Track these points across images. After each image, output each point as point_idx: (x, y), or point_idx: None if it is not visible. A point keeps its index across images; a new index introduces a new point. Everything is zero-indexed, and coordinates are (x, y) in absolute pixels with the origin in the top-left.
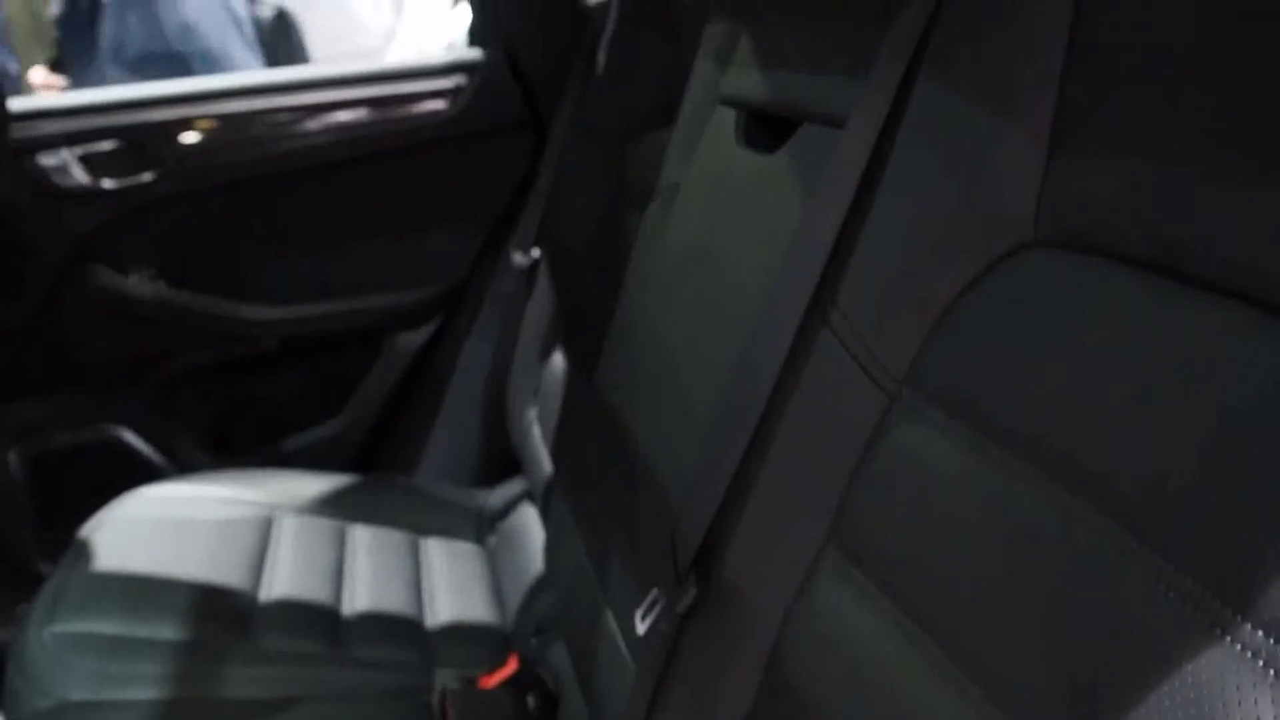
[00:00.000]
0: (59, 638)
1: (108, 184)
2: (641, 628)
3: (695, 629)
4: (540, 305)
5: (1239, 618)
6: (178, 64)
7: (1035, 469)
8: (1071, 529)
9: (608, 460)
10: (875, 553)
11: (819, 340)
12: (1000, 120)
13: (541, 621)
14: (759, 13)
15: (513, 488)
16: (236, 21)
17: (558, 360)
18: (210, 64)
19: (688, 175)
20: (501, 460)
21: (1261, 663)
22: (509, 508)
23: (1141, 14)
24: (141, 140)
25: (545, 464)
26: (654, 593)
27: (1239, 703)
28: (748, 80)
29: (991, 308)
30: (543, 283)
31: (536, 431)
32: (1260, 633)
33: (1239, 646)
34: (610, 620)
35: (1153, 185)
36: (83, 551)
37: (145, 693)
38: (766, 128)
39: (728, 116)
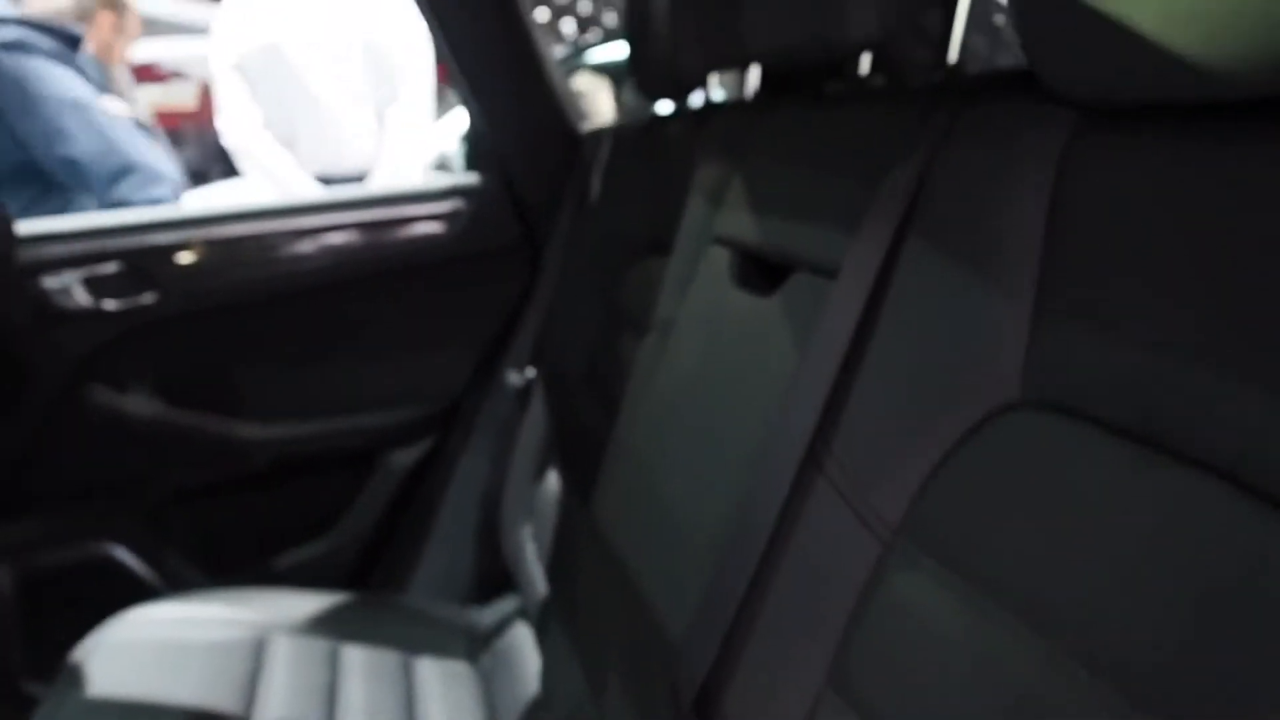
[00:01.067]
0: None
1: (109, 305)
2: None
3: None
4: (534, 425)
5: None
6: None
7: (1024, 625)
8: (1061, 687)
9: (606, 591)
10: (871, 697)
11: (815, 487)
12: (986, 282)
13: None
14: (750, 157)
15: (506, 605)
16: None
17: (552, 480)
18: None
19: (683, 311)
20: (494, 578)
21: None
22: (502, 626)
23: (1120, 189)
24: (143, 263)
25: (540, 584)
26: None
27: None
28: (740, 222)
29: (981, 464)
30: (537, 403)
31: (530, 551)
32: None
33: None
34: None
35: (1133, 357)
36: (75, 676)
37: None
38: (760, 269)
39: (721, 255)
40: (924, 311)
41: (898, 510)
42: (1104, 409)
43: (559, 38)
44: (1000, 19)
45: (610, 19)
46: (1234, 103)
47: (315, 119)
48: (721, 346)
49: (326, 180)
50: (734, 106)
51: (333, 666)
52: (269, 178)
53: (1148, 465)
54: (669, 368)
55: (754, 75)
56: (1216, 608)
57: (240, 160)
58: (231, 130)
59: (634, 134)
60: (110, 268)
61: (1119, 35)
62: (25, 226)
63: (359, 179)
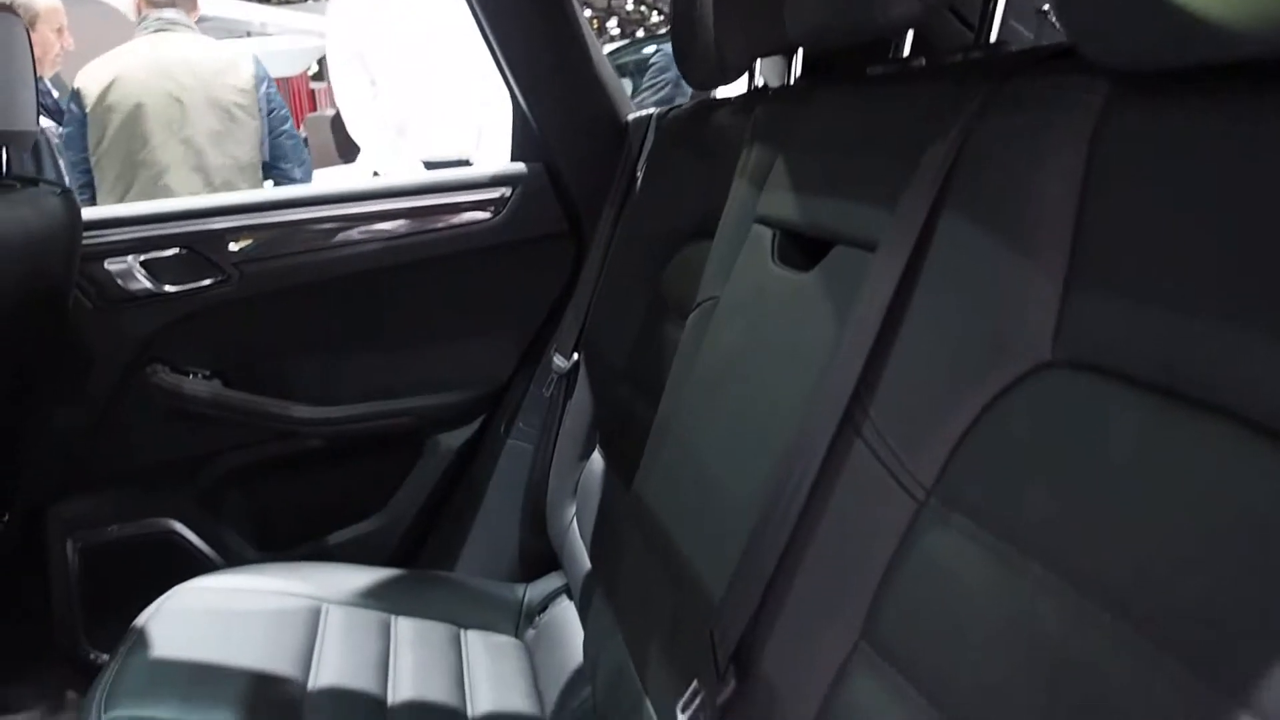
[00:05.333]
0: None
1: (169, 289)
2: (682, 719)
3: None
4: (579, 407)
5: (1238, 707)
6: None
7: (1053, 575)
8: (1088, 632)
9: (648, 563)
10: (904, 649)
11: (852, 450)
12: (1019, 252)
13: (579, 713)
14: (793, 141)
15: (551, 582)
16: None
17: (596, 460)
18: None
19: (726, 291)
20: (539, 557)
21: None
22: (547, 602)
23: (1151, 154)
24: (201, 248)
25: (584, 562)
26: (694, 685)
27: None
28: (782, 203)
29: (1012, 423)
30: (582, 385)
31: (575, 530)
32: None
33: None
34: (650, 711)
35: (1159, 313)
36: (139, 640)
37: None
38: (800, 247)
39: (764, 235)
40: (960, 279)
41: (932, 470)
42: (1130, 365)
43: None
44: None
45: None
46: (1265, 64)
47: (425, 109)
48: (763, 323)
49: (430, 165)
50: (779, 92)
51: (385, 637)
52: (380, 160)
53: (1172, 416)
54: (711, 347)
55: (798, 59)
56: (1239, 549)
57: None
58: (350, 115)
59: (680, 121)
60: (170, 252)
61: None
62: (89, 212)
63: (461, 163)
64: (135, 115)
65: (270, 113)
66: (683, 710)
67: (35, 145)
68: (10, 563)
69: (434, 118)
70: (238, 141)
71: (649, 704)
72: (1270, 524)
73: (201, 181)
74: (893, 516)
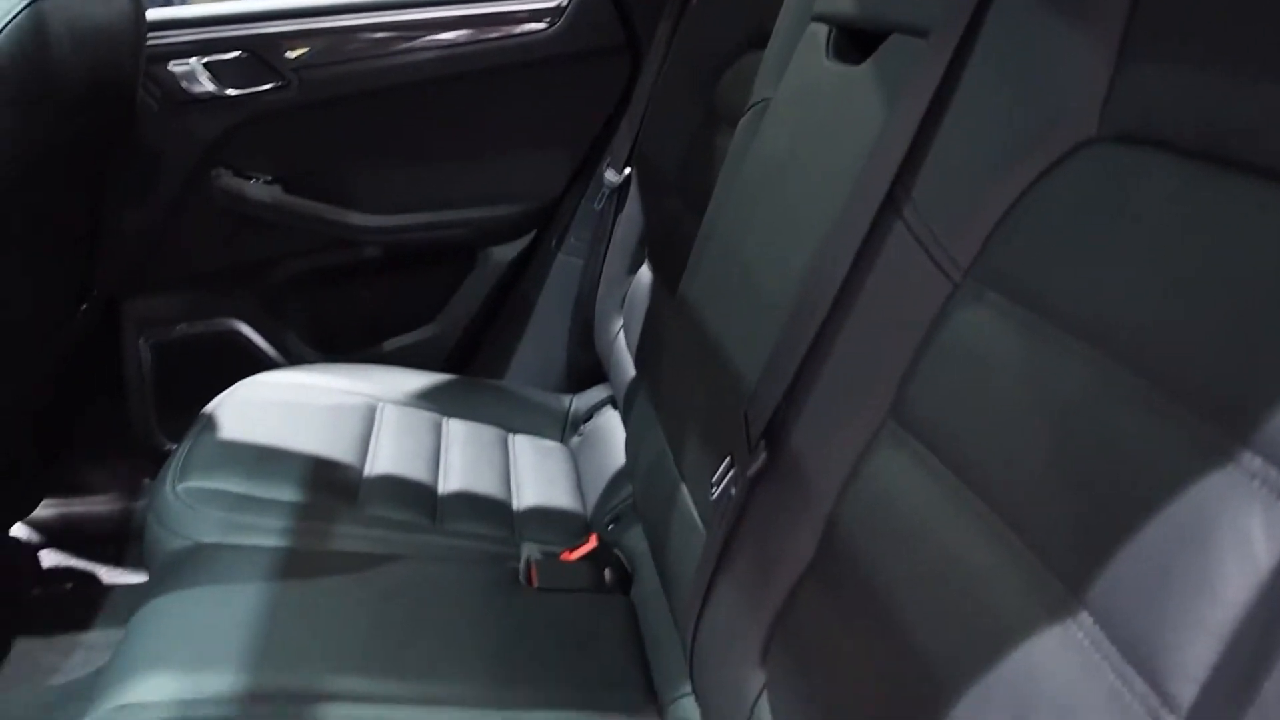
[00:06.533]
0: (191, 491)
1: (231, 92)
2: (714, 493)
3: (763, 492)
4: (629, 221)
5: (1241, 446)
6: None
7: (1082, 342)
8: (1108, 391)
9: (689, 359)
10: (930, 422)
11: (892, 232)
12: (1073, 28)
13: (619, 512)
14: None
15: (597, 393)
16: None
17: (644, 274)
18: None
19: (778, 91)
20: (586, 369)
21: (1258, 483)
22: (592, 411)
23: None
24: (261, 51)
25: (629, 371)
26: (726, 461)
27: (1235, 519)
28: None
29: (1052, 200)
30: (632, 200)
31: (621, 341)
32: (1260, 459)
33: (1239, 471)
34: (684, 493)
35: (1210, 80)
36: (208, 425)
37: (267, 541)
38: (855, 42)
39: (820, 32)
40: (1010, 58)
41: (970, 252)
42: (1175, 132)
43: None
44: None
45: None
46: None
47: None
48: (813, 118)
49: None
50: None
51: (437, 435)
52: None
53: (1212, 179)
54: (761, 146)
55: None
56: (1260, 297)
57: None
58: None
59: None
60: (230, 55)
61: None
62: (152, 13)
63: None
64: None
65: None
66: (716, 484)
67: None
68: (90, 354)
69: None
70: None
71: (684, 488)
72: None
73: None
74: (928, 297)
